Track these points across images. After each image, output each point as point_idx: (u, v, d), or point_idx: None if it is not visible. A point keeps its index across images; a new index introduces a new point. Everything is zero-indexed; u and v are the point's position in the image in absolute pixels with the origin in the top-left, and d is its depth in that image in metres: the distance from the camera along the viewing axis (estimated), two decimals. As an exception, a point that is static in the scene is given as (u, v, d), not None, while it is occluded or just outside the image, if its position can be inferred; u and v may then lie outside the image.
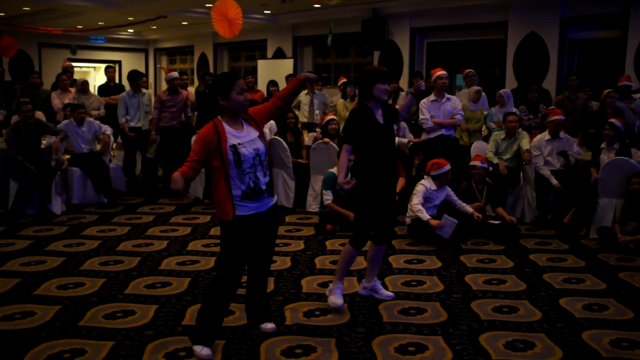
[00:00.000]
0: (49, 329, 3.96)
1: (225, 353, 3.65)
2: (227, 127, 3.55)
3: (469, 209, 6.41)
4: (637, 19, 9.93)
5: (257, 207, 3.60)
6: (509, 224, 6.42)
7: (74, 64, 17.15)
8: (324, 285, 4.87)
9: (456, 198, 6.48)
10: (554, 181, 6.87)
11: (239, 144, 3.52)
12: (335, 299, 4.36)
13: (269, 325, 3.95)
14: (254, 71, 15.80)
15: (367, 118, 4.23)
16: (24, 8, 14.28)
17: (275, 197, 3.83)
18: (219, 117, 3.60)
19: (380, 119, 4.28)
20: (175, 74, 8.72)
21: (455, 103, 7.24)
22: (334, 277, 4.48)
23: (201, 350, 3.60)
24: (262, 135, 3.68)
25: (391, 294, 4.63)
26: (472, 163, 6.68)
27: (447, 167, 6.31)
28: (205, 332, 3.64)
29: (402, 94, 9.61)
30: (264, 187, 3.61)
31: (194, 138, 8.40)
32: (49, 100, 9.33)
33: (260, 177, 3.59)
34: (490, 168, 7.09)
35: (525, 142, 7.20)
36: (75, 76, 10.93)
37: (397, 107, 8.02)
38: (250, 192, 3.55)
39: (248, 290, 3.98)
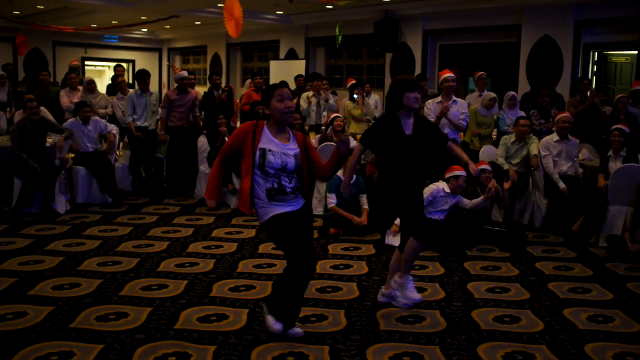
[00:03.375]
0: (39, 331, 3.90)
1: (215, 358, 3.57)
2: (267, 132, 3.70)
3: (478, 199, 6.27)
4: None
5: (284, 206, 3.72)
6: (516, 230, 6.28)
7: (87, 62, 17.31)
8: (323, 290, 4.79)
9: (465, 200, 6.31)
10: (562, 185, 6.74)
11: (270, 150, 3.66)
12: (413, 294, 4.36)
13: (297, 330, 3.90)
14: (266, 72, 15.80)
15: (392, 127, 4.17)
16: (38, 6, 14.37)
17: (304, 201, 3.85)
18: (264, 122, 3.75)
19: (408, 130, 4.20)
20: (185, 73, 8.67)
21: (462, 107, 7.12)
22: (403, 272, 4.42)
23: (274, 323, 3.80)
24: (300, 156, 3.75)
25: (419, 297, 4.40)
26: (482, 167, 6.52)
27: (459, 172, 6.15)
28: (282, 308, 3.80)
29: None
30: (288, 190, 3.72)
31: (200, 138, 8.36)
32: (58, 99, 9.32)
33: (285, 182, 3.71)
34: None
35: (534, 147, 7.07)
36: (91, 75, 10.92)
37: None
38: (273, 192, 3.70)
39: (285, 291, 3.89)
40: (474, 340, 3.92)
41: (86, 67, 19.23)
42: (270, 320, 3.83)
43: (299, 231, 3.74)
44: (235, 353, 3.65)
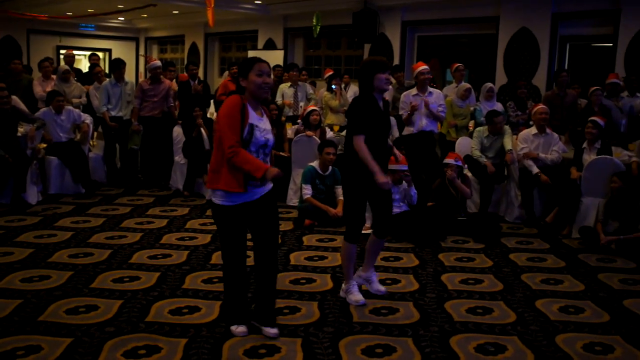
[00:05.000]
0: (5, 324, 3.82)
1: (186, 352, 3.53)
2: (249, 108, 3.60)
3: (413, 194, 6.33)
4: (628, 16, 9.82)
5: (248, 194, 3.58)
6: (490, 221, 6.32)
7: (63, 52, 17.03)
8: (296, 282, 4.77)
9: (411, 194, 6.32)
10: (535, 169, 6.80)
11: (257, 126, 3.57)
12: (356, 297, 4.36)
13: (272, 331, 3.77)
14: (243, 62, 15.69)
15: (372, 106, 4.18)
16: (11, -7, 14.11)
17: (271, 185, 3.75)
18: (244, 99, 3.61)
19: (382, 108, 4.27)
20: (158, 62, 8.56)
21: (438, 98, 7.12)
22: (343, 278, 4.50)
23: (236, 328, 3.76)
24: (273, 132, 3.73)
25: (384, 289, 4.54)
26: (446, 161, 6.52)
27: (398, 166, 5.94)
28: (232, 312, 3.79)
29: (390, 87, 9.46)
30: None
31: (175, 129, 8.27)
32: (30, 87, 9.17)
33: (263, 160, 3.62)
34: (466, 165, 6.99)
35: (507, 141, 7.09)
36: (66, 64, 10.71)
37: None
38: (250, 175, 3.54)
39: (256, 288, 3.87)
40: (446, 332, 3.92)
41: (61, 56, 18.92)
42: (232, 328, 3.79)
43: (256, 227, 3.68)
44: (206, 346, 3.61)
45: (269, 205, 3.71)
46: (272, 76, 3.70)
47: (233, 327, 3.78)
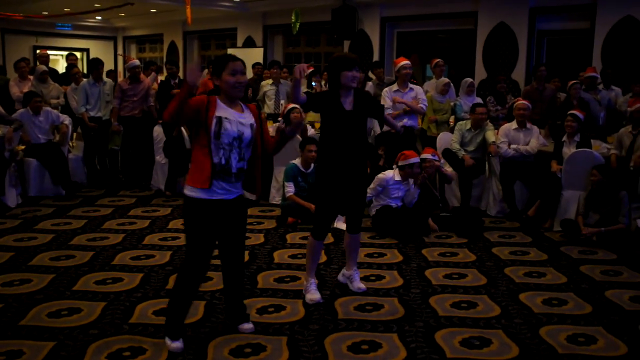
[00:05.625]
0: (-14, 329, 3.78)
1: (171, 353, 3.50)
2: (220, 103, 3.49)
3: (414, 192, 6.36)
4: (605, 10, 9.91)
5: (216, 192, 3.47)
6: (472, 215, 6.37)
7: (38, 52, 16.82)
8: (281, 280, 4.76)
9: (412, 192, 6.37)
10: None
11: (226, 117, 3.45)
12: (312, 295, 4.33)
13: (247, 326, 3.79)
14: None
15: (331, 101, 4.15)
16: (-16, -7, 13.90)
17: (243, 192, 3.66)
18: (216, 96, 3.54)
19: (348, 106, 4.18)
20: (136, 62, 8.48)
21: (418, 93, 7.14)
22: (304, 274, 4.49)
23: (170, 343, 3.56)
24: (255, 128, 3.58)
25: (363, 287, 4.55)
26: (423, 156, 6.55)
27: (414, 159, 6.19)
28: (172, 325, 3.59)
29: (370, 83, 9.48)
30: (233, 171, 3.50)
31: (156, 128, 8.20)
32: (7, 88, 9.05)
33: (233, 161, 3.48)
34: (442, 160, 7.05)
35: (490, 135, 7.14)
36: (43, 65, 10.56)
37: None
38: (219, 168, 3.44)
39: (224, 288, 3.85)
40: (431, 327, 3.94)
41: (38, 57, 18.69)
42: (167, 341, 3.58)
43: (224, 231, 3.59)
44: (192, 346, 3.59)
45: (237, 210, 3.61)
46: (246, 74, 3.64)
47: (168, 341, 3.57)
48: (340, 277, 4.70)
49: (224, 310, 3.89)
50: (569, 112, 6.86)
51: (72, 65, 9.84)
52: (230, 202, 3.54)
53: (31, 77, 9.15)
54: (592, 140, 6.94)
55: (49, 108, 8.04)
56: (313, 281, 4.42)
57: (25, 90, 8.63)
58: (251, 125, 3.56)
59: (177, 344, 3.55)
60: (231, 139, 3.46)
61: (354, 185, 4.28)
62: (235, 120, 3.49)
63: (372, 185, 6.26)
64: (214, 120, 3.42)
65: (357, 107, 4.21)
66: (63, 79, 10.20)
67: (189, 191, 3.48)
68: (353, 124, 4.21)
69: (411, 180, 6.31)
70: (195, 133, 3.51)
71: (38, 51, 11.42)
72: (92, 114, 8.36)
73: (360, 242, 4.63)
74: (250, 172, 3.65)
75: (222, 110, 3.47)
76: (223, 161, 3.45)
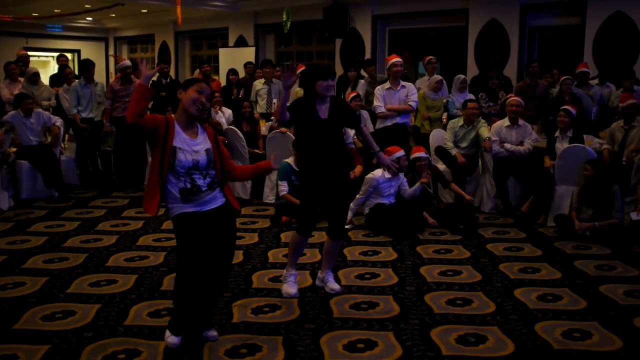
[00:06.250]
0: (-20, 334, 3.76)
1: (166, 354, 3.49)
2: (177, 127, 3.41)
3: (416, 187, 6.39)
4: (595, 6, 9.95)
5: (197, 206, 3.44)
6: (466, 210, 6.39)
7: (30, 53, 16.75)
8: (276, 280, 4.75)
9: (406, 187, 6.40)
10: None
11: (180, 148, 3.37)
12: (289, 288, 4.37)
13: (212, 333, 3.69)
14: (216, 60, 15.59)
15: (306, 109, 4.15)
16: (-27, -6, 13.80)
17: (224, 199, 3.57)
18: (172, 116, 3.44)
19: (323, 114, 4.18)
20: (128, 62, 8.45)
21: (410, 90, 7.15)
22: (286, 266, 4.49)
23: (168, 336, 3.58)
24: (212, 150, 3.49)
25: (338, 287, 4.52)
26: (417, 155, 6.56)
27: (399, 153, 6.19)
28: (175, 321, 3.59)
29: (362, 82, 9.48)
30: (204, 188, 3.45)
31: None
32: (-4, 90, 8.99)
33: (199, 182, 3.43)
34: (434, 157, 7.11)
35: (484, 131, 7.14)
36: (35, 66, 10.50)
37: (356, 93, 7.97)
38: (187, 192, 3.41)
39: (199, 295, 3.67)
40: (427, 325, 3.93)
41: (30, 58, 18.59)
42: (166, 333, 3.60)
43: (212, 235, 3.47)
44: (187, 347, 3.57)
45: (223, 221, 3.54)
46: (211, 102, 3.58)
47: (167, 333, 3.59)
48: (317, 282, 4.62)
49: (190, 317, 3.65)
50: (561, 108, 6.87)
51: (65, 66, 9.79)
52: (211, 211, 3.49)
53: (21, 79, 9.09)
54: (584, 136, 6.96)
55: (40, 110, 8.01)
56: (294, 272, 4.45)
57: (16, 92, 8.58)
58: (207, 150, 3.47)
59: (173, 340, 3.55)
60: (186, 168, 3.39)
61: (333, 190, 4.28)
62: (189, 150, 3.40)
63: (363, 187, 6.28)
64: (170, 151, 3.35)
65: (332, 115, 4.20)
66: (54, 81, 10.15)
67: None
68: (328, 131, 4.21)
69: (401, 175, 6.32)
70: (152, 150, 3.45)
71: (18, 52, 11.31)
72: (84, 115, 8.33)
73: (338, 250, 4.60)
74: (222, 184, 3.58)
75: (177, 138, 3.38)
76: (188, 185, 3.40)
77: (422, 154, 6.50)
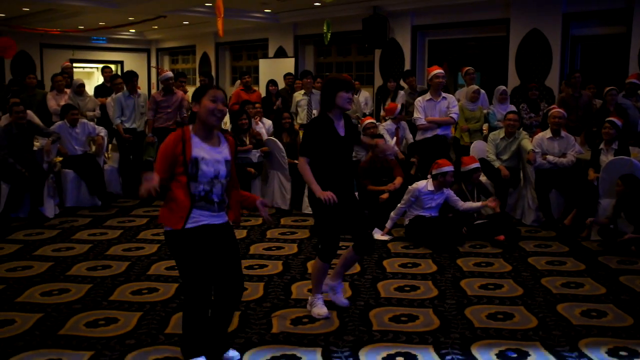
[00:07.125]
0: (27, 339, 3.84)
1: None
2: (195, 138, 3.34)
3: (476, 204, 6.29)
4: (642, 14, 9.75)
5: (206, 217, 3.36)
6: (507, 220, 6.32)
7: (76, 64, 17.22)
8: (314, 290, 4.74)
9: (457, 198, 6.32)
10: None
11: (202, 158, 3.31)
12: (319, 310, 4.24)
13: (233, 353, 3.59)
14: (255, 70, 15.76)
15: (326, 129, 4.08)
16: (24, 9, 14.25)
17: (227, 218, 3.49)
18: (189, 127, 3.40)
19: (341, 131, 4.14)
20: (170, 73, 8.60)
21: (451, 102, 7.10)
22: (310, 292, 4.39)
23: None
24: (230, 163, 3.45)
25: (345, 302, 4.42)
26: (473, 166, 6.49)
27: (447, 168, 6.15)
28: (191, 344, 3.46)
29: (402, 92, 9.46)
30: (216, 200, 3.38)
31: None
32: (44, 102, 9.24)
33: (215, 191, 3.38)
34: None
35: (526, 143, 7.04)
36: (80, 77, 10.77)
37: (394, 105, 7.96)
38: (198, 198, 3.33)
39: (211, 315, 3.52)
40: (467, 339, 3.89)
41: (74, 69, 19.08)
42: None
43: (219, 253, 3.40)
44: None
45: (225, 239, 3.45)
46: (227, 105, 3.48)
47: None
48: (324, 287, 4.42)
49: (206, 337, 3.56)
50: (607, 119, 6.74)
51: (116, 76, 9.97)
52: (214, 227, 3.40)
53: (68, 91, 9.33)
54: (630, 148, 6.80)
55: (85, 120, 8.20)
56: (320, 296, 4.31)
57: (62, 103, 8.81)
58: (226, 161, 3.41)
59: None
60: (208, 179, 3.34)
61: (349, 207, 4.18)
62: (212, 159, 3.34)
63: (405, 197, 6.25)
64: (190, 163, 3.27)
65: (347, 132, 4.17)
66: (99, 91, 10.39)
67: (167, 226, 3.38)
68: (346, 149, 4.17)
69: (446, 190, 6.26)
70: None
71: (62, 64, 11.60)
72: (127, 125, 8.49)
73: (356, 264, 4.50)
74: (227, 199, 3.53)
75: (198, 149, 3.32)
76: (203, 193, 3.34)
77: (447, 168, 6.34)
